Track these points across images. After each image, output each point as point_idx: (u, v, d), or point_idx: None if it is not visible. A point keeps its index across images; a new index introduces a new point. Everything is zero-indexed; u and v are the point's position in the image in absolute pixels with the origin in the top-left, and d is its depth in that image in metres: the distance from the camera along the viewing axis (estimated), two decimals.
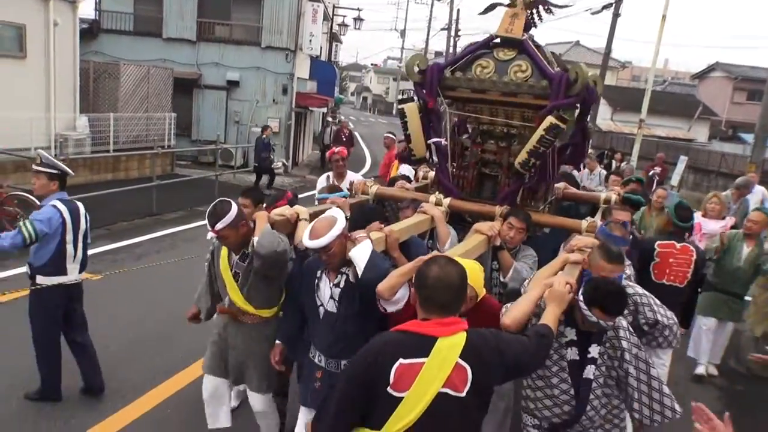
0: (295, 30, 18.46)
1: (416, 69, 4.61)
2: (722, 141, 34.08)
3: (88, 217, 4.63)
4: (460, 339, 2.23)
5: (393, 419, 2.20)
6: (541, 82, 4.23)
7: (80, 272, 4.61)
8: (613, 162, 17.27)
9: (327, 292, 3.25)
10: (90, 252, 4.85)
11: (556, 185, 5.33)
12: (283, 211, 3.70)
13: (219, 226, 3.39)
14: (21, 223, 4.24)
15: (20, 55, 12.20)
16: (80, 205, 4.57)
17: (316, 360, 3.35)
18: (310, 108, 22.01)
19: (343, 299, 3.20)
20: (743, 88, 40.38)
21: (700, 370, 6.26)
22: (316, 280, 3.29)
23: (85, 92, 14.48)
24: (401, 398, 2.20)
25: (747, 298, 6.46)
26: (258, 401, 3.81)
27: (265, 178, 15.27)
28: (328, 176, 6.48)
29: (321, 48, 24.19)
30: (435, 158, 4.78)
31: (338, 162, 6.41)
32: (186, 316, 4.22)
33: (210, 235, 3.46)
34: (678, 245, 5.12)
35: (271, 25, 18.43)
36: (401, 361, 2.21)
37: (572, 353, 2.94)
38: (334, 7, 26.01)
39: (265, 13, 18.44)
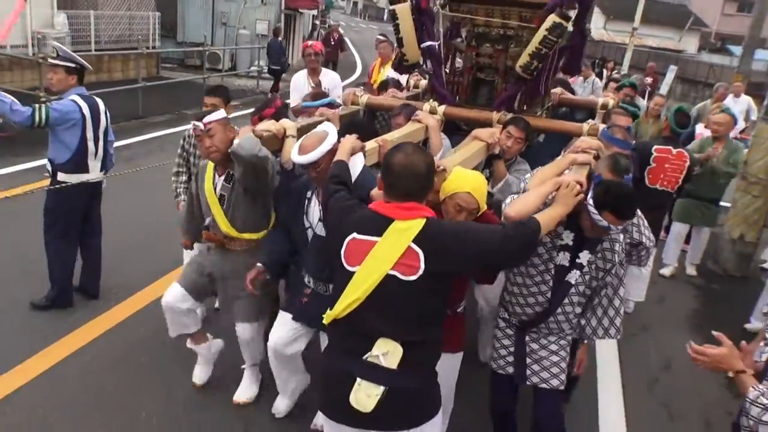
0: None
1: None
2: (711, 53, 33.90)
3: (108, 114, 4.51)
4: (416, 224, 2.20)
5: (345, 294, 2.23)
6: None
7: (101, 171, 4.54)
8: (604, 71, 17.11)
9: (317, 214, 3.09)
10: None
11: (552, 90, 5.17)
12: (269, 126, 3.41)
13: (207, 119, 3.25)
14: (37, 105, 4.10)
15: None
16: (99, 101, 4.44)
17: (305, 280, 3.25)
18: (299, 10, 21.42)
19: None
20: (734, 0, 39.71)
21: (665, 270, 6.65)
22: (306, 201, 3.15)
23: None
24: (353, 273, 2.23)
25: (723, 203, 6.66)
26: (246, 331, 3.61)
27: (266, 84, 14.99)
28: (304, 74, 6.14)
29: None
30: (428, 64, 4.55)
31: (310, 56, 6.08)
32: (181, 243, 4.13)
33: (193, 124, 3.28)
34: (674, 151, 5.11)
35: None
36: (354, 235, 2.26)
37: (563, 258, 2.87)
38: None
39: None
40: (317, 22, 23.70)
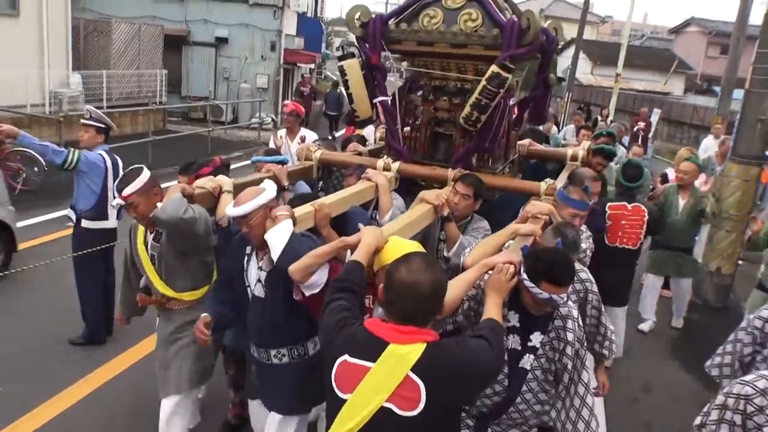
0: None
1: (357, 22, 4.23)
2: (697, 94, 34.92)
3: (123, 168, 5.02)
4: (415, 349, 1.93)
5: (337, 422, 1.99)
6: (492, 32, 3.88)
7: (117, 218, 4.99)
8: (599, 118, 17.28)
9: (254, 274, 2.96)
10: None
11: (520, 142, 5.09)
12: (205, 183, 3.30)
13: (127, 191, 3.16)
14: (72, 149, 4.68)
15: (13, 13, 12.39)
16: (119, 158, 4.99)
17: (252, 350, 3.11)
18: (297, 64, 22.33)
19: (269, 283, 2.90)
20: (717, 43, 41.07)
21: (644, 326, 6.36)
22: (246, 259, 3.01)
23: (77, 49, 14.68)
24: (345, 400, 1.98)
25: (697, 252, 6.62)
26: (170, 403, 3.35)
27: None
28: (280, 133, 6.23)
29: (307, 4, 24.35)
30: (382, 119, 4.46)
31: (286, 117, 6.13)
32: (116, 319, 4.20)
33: (116, 201, 3.23)
34: (629, 206, 4.97)
35: None
36: (346, 357, 1.99)
37: (513, 341, 2.60)
38: None
39: None
40: (303, 75, 24.44)
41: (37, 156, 9.01)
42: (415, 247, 2.55)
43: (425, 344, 1.95)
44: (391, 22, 4.19)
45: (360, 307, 2.28)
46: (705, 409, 2.31)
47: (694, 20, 43.12)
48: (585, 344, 2.74)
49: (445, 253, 3.65)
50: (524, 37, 3.78)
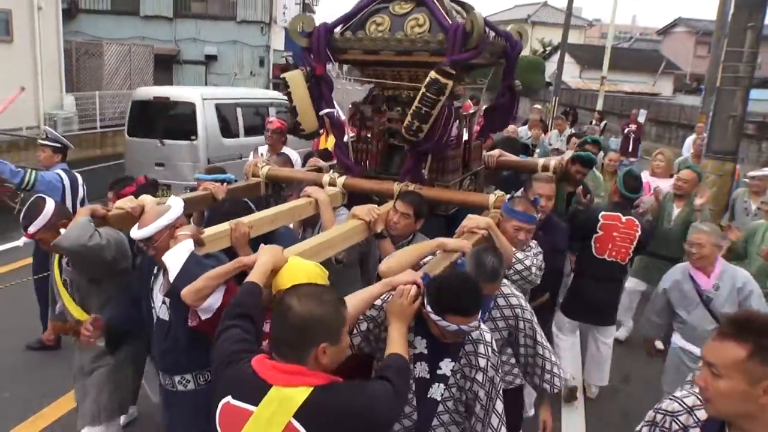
0: (269, 3, 19.12)
1: (301, 32, 4.05)
2: (687, 94, 35.19)
3: (85, 187, 5.18)
4: (300, 393, 1.74)
5: None
6: (437, 36, 3.67)
7: None
8: (593, 122, 16.53)
9: (160, 296, 2.81)
10: None
11: (488, 153, 4.86)
12: (124, 203, 3.08)
13: (32, 229, 3.00)
14: (29, 169, 4.88)
15: (7, 39, 12.69)
16: (79, 176, 5.13)
17: (159, 377, 2.95)
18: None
19: (173, 305, 2.71)
20: (705, 42, 41.33)
21: (619, 333, 5.96)
22: (152, 279, 2.87)
23: (69, 72, 15.00)
24: None
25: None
26: None
27: None
28: (259, 150, 5.97)
29: None
30: (329, 131, 4.33)
31: (268, 133, 5.89)
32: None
33: (23, 240, 3.13)
34: (623, 218, 4.69)
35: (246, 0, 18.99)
36: (229, 399, 1.82)
37: (421, 369, 2.39)
38: None
39: None
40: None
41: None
42: (314, 269, 2.37)
43: (312, 388, 1.76)
44: (337, 30, 4.00)
45: (256, 333, 2.07)
46: (638, 427, 2.14)
47: (682, 20, 43.57)
48: (499, 371, 2.49)
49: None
50: (468, 41, 3.59)
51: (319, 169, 4.49)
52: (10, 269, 7.01)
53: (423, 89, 3.56)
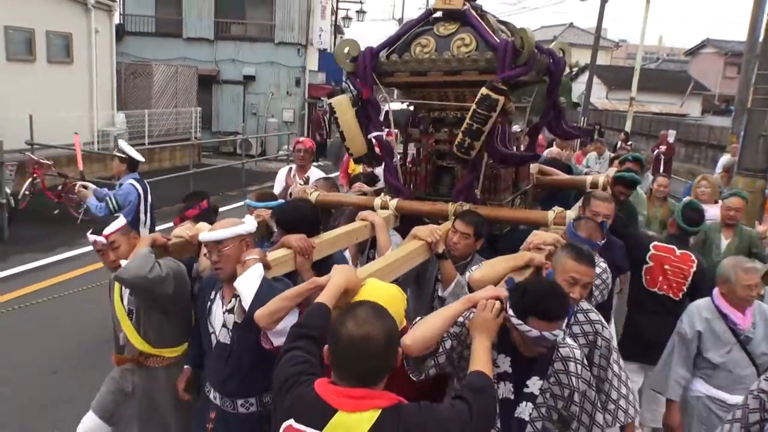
0: (306, 26, 19.91)
1: (347, 56, 4.05)
2: (716, 115, 35.20)
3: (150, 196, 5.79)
4: (367, 418, 1.70)
5: None
6: (485, 55, 3.67)
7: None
8: (619, 143, 16.35)
9: (219, 318, 2.74)
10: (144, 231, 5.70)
11: (532, 171, 4.80)
12: (182, 231, 3.06)
13: (108, 230, 2.97)
14: (108, 198, 5.43)
15: (67, 61, 13.57)
16: (146, 183, 5.75)
17: (210, 396, 2.83)
18: (321, 99, 23.36)
19: (237, 328, 2.66)
20: (734, 63, 41.43)
21: None
22: (209, 303, 2.80)
23: (118, 91, 15.82)
24: None
25: None
26: None
27: None
28: (290, 169, 5.97)
29: (328, 41, 25.49)
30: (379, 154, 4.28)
31: (300, 153, 5.85)
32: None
33: (95, 238, 2.99)
34: (678, 252, 4.27)
35: (283, 23, 19.91)
36: (291, 423, 1.77)
37: (505, 390, 2.30)
38: (337, 1, 27.33)
39: (278, 11, 19.93)
40: (318, 106, 25.16)
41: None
42: (392, 289, 2.36)
43: (379, 411, 1.71)
44: (382, 54, 4.01)
45: (320, 355, 1.96)
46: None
47: (710, 41, 43.63)
48: (593, 386, 2.43)
49: (440, 293, 3.35)
50: (519, 58, 3.60)
51: (364, 194, 4.46)
52: (77, 274, 7.54)
53: (474, 106, 3.56)
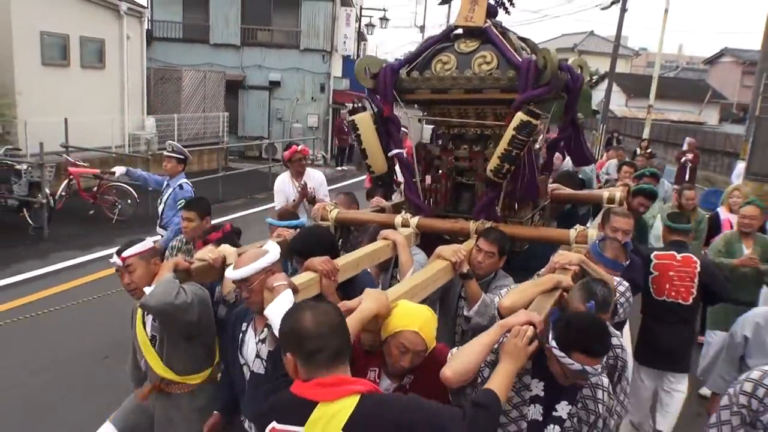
0: (331, 33, 20.37)
1: (367, 73, 4.05)
2: (734, 123, 35.11)
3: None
4: (347, 405, 1.71)
5: None
6: (507, 73, 3.66)
7: None
8: (638, 150, 16.22)
9: (252, 349, 2.68)
10: None
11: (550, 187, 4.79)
12: (205, 254, 3.01)
13: (127, 252, 2.86)
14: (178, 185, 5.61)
15: (100, 66, 14.08)
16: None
17: (246, 426, 2.77)
18: (345, 104, 23.76)
19: (271, 358, 2.59)
20: (752, 72, 41.25)
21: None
22: (241, 334, 2.74)
23: (148, 96, 16.38)
24: None
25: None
26: None
27: None
28: (286, 177, 5.99)
29: (352, 47, 25.94)
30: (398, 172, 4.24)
31: (300, 161, 5.93)
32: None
33: (114, 259, 2.88)
34: (678, 256, 4.32)
35: (309, 29, 20.40)
36: (274, 425, 1.78)
37: (535, 412, 2.33)
38: (360, 8, 27.76)
39: (303, 19, 20.42)
40: (341, 111, 25.53)
41: (130, 190, 10.35)
42: (425, 311, 2.43)
43: (359, 396, 1.72)
44: (403, 71, 4.00)
45: None
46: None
47: (728, 50, 43.55)
48: (614, 416, 2.49)
49: (465, 312, 3.32)
50: (542, 77, 3.59)
51: (382, 209, 4.45)
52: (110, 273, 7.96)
53: (513, 132, 3.52)
